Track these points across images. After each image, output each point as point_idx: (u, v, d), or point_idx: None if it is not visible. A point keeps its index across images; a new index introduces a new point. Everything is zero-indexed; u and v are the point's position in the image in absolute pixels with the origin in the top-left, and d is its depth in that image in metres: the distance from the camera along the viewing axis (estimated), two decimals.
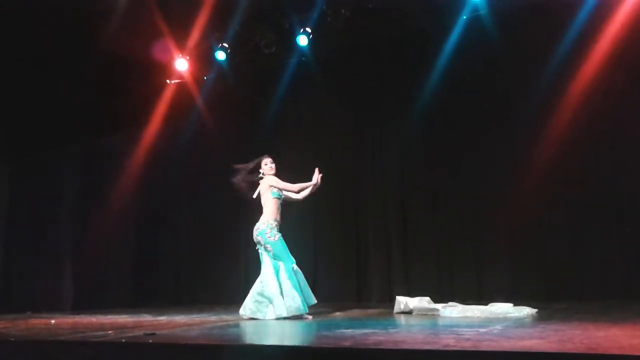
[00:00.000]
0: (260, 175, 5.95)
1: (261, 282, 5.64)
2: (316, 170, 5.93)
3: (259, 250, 5.79)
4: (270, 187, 5.85)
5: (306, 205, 6.07)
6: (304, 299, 5.57)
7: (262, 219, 5.80)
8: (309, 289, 5.77)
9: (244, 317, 5.61)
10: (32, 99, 8.23)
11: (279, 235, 5.75)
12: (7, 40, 7.30)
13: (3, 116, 8.20)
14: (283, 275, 5.59)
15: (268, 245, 5.68)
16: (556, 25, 6.86)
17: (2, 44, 7.33)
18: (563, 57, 6.87)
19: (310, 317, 5.53)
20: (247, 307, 5.62)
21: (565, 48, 6.85)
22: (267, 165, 5.95)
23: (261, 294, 5.59)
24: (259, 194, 5.90)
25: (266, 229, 5.71)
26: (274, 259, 5.67)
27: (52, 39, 7.42)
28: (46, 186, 9.36)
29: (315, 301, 5.78)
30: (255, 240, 5.80)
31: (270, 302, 5.54)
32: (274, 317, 5.46)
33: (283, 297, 5.49)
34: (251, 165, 5.99)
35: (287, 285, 5.54)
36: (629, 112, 6.69)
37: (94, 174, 9.36)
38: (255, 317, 5.54)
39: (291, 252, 5.77)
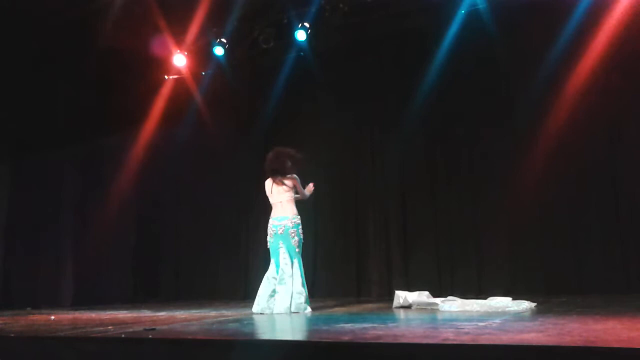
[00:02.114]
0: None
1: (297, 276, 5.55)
2: (311, 184, 5.93)
3: (280, 243, 5.57)
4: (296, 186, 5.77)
5: (306, 201, 6.08)
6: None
7: (294, 212, 5.67)
8: None
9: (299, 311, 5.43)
10: (32, 98, 8.23)
11: None
12: (7, 40, 7.30)
13: (3, 116, 8.20)
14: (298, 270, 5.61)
15: (296, 239, 5.60)
16: (554, 21, 6.84)
17: (2, 43, 7.32)
18: (561, 53, 6.85)
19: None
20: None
21: (563, 44, 6.84)
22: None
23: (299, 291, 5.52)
24: (280, 187, 5.71)
25: (300, 224, 5.66)
26: (292, 254, 5.58)
27: (51, 38, 7.42)
28: (46, 186, 9.37)
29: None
30: (284, 231, 5.58)
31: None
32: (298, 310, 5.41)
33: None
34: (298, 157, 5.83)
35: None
36: (626, 110, 6.69)
37: (94, 173, 9.37)
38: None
39: None
